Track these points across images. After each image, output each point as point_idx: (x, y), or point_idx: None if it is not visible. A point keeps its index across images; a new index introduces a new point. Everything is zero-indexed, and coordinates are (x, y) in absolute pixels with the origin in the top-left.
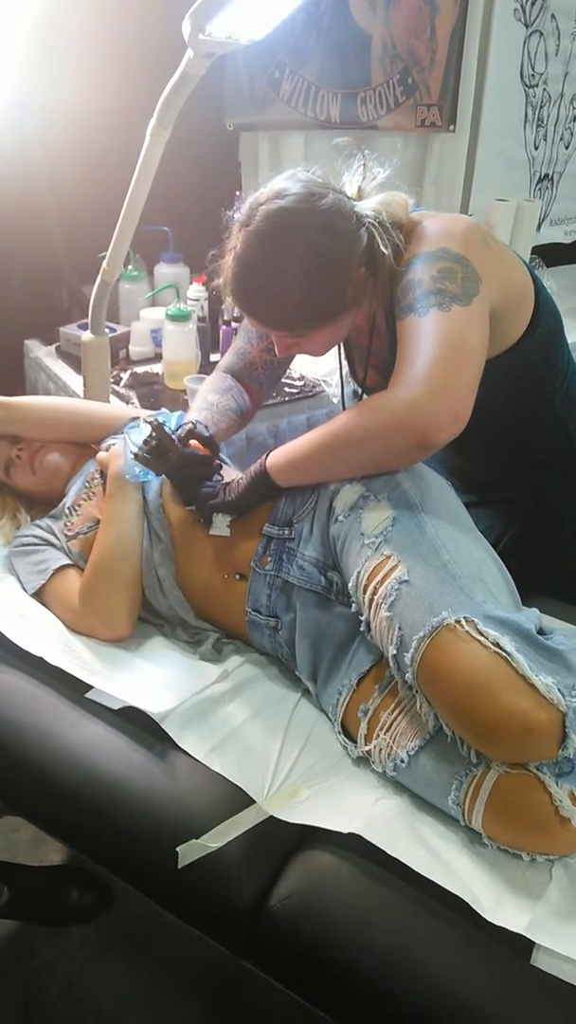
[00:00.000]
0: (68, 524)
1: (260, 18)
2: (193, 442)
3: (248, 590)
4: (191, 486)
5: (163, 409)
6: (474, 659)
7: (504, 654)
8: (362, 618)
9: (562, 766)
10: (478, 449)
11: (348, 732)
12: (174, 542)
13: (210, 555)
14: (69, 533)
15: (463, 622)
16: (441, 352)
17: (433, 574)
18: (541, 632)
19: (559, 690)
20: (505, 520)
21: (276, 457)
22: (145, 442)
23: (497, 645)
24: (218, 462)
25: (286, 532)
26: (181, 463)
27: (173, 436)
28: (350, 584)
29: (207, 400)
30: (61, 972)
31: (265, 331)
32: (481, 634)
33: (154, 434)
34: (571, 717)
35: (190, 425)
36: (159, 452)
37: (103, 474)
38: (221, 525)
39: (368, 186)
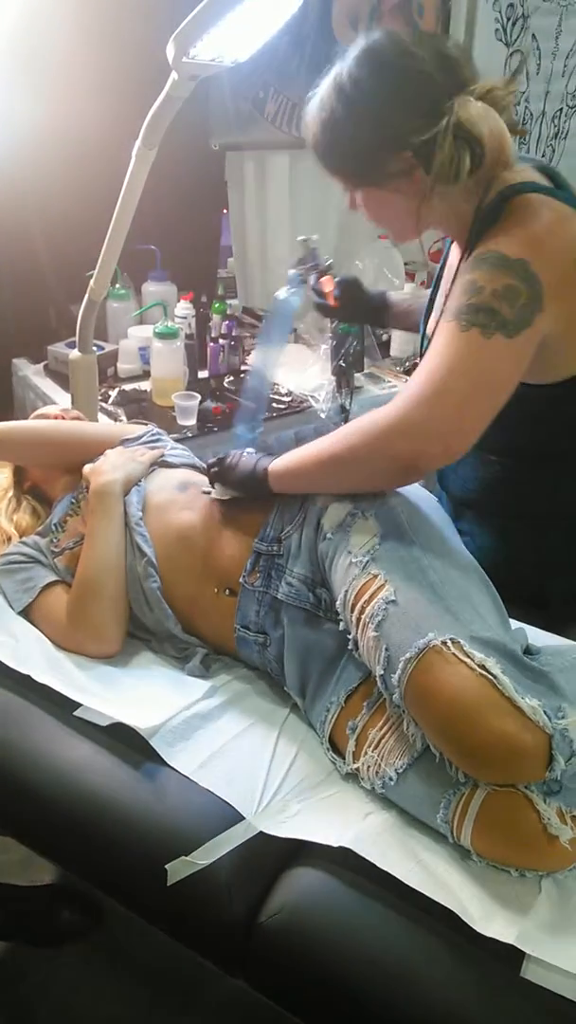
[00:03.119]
0: (55, 541)
1: (244, 40)
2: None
3: (237, 607)
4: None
5: (151, 425)
6: (460, 682)
7: (490, 676)
8: (350, 636)
9: (550, 785)
10: (503, 469)
11: (336, 748)
12: (158, 555)
13: (198, 569)
14: (56, 549)
15: (449, 644)
16: (458, 382)
17: (420, 594)
18: (528, 651)
19: (545, 712)
20: (512, 539)
21: (277, 464)
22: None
23: (483, 667)
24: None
25: (275, 548)
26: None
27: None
28: (338, 602)
29: None
30: (53, 993)
31: (328, 174)
32: (467, 656)
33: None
34: (557, 739)
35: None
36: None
37: (88, 489)
38: (220, 489)
39: (501, 96)
